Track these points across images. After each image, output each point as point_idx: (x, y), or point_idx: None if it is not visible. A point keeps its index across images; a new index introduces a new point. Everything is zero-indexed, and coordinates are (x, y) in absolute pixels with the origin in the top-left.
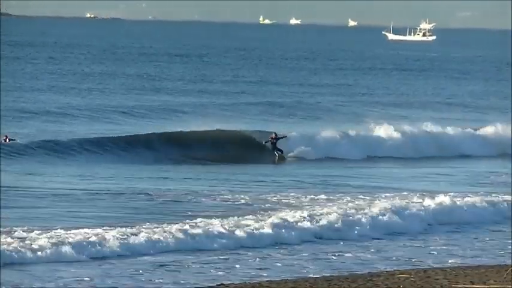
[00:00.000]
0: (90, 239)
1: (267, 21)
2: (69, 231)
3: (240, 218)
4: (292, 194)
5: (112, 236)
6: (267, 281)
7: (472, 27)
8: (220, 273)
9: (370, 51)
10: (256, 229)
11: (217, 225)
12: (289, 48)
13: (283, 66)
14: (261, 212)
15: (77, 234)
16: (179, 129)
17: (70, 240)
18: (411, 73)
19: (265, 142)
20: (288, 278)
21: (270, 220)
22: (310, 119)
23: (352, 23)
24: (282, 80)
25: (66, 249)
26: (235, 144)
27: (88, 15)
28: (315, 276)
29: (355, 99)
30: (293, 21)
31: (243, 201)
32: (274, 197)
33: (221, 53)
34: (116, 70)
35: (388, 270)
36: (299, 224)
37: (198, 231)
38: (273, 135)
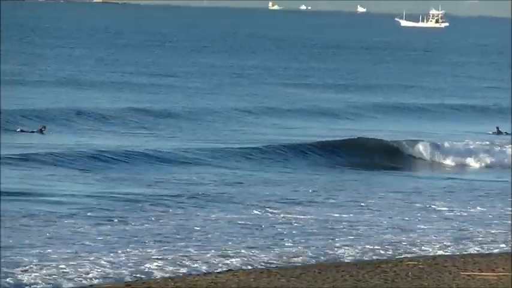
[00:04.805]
0: None
1: (276, 7)
2: None
3: None
4: None
5: None
6: (276, 267)
7: (477, 15)
8: None
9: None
10: None
11: None
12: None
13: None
14: None
15: None
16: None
17: None
18: None
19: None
20: (297, 265)
21: None
22: None
23: (361, 10)
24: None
25: None
26: None
27: None
28: (323, 262)
29: None
30: (302, 7)
31: None
32: None
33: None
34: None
35: (397, 257)
36: None
37: None
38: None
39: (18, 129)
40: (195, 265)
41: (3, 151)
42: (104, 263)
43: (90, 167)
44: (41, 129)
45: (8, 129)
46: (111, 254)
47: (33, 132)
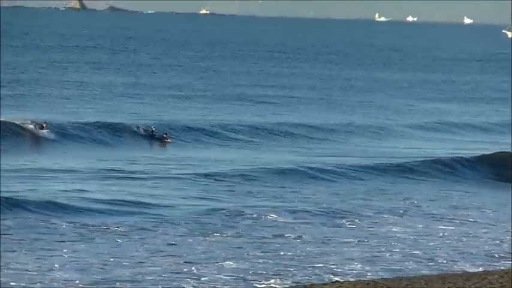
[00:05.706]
0: None
1: (382, 19)
2: None
3: None
4: None
5: None
6: (382, 278)
7: None
8: None
9: None
10: None
11: None
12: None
13: None
14: None
15: None
16: None
17: None
18: None
19: None
20: (403, 276)
21: None
22: None
23: (467, 21)
24: None
25: None
26: None
27: (203, 11)
28: (429, 274)
29: None
30: (409, 18)
31: None
32: None
33: None
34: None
35: (502, 268)
36: None
37: None
38: None
39: (142, 131)
40: (299, 277)
41: (117, 164)
42: (211, 273)
43: (204, 181)
44: (163, 137)
45: (130, 135)
46: (229, 263)
47: (157, 137)
